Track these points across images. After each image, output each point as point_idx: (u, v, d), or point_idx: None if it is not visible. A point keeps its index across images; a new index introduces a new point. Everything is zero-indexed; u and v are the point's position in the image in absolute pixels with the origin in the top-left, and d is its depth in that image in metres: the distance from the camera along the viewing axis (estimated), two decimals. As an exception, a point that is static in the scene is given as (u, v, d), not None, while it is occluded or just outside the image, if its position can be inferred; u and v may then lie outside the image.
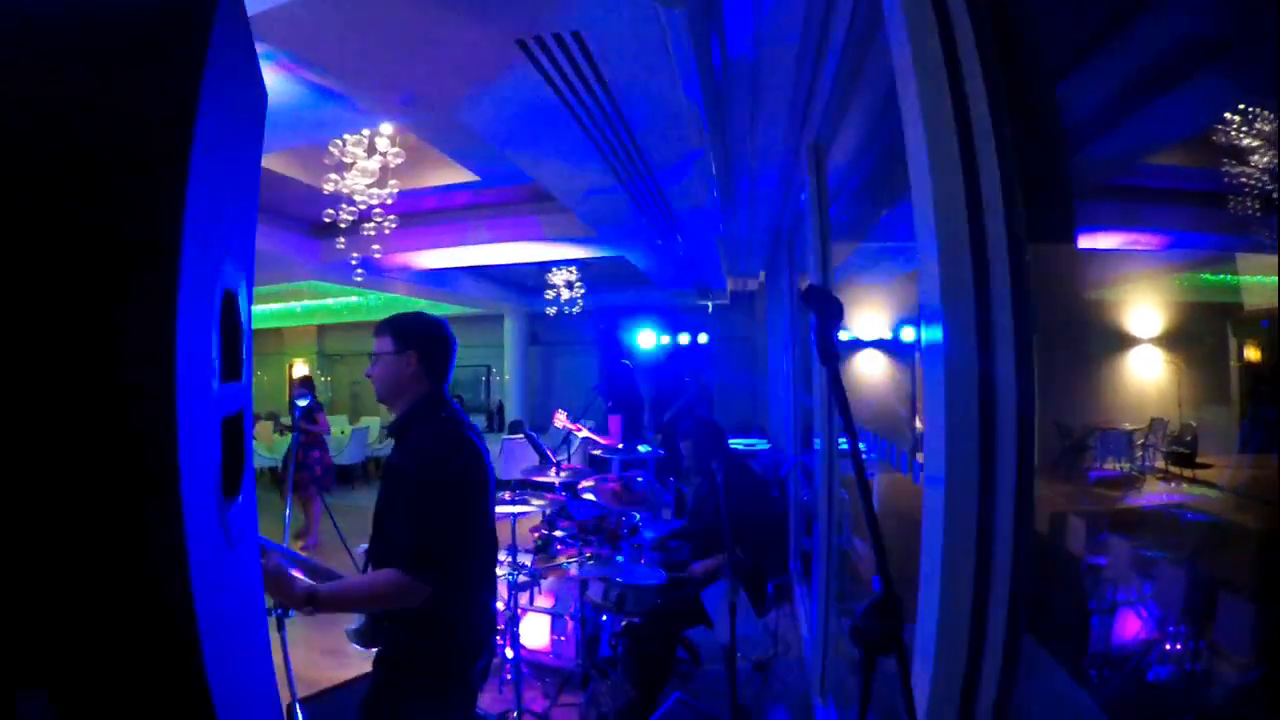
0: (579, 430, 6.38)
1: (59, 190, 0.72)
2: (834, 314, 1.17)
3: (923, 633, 1.67)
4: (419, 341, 2.46)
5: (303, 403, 5.52)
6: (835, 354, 1.14)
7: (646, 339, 9.47)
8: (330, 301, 15.88)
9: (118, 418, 0.73)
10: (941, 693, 1.60)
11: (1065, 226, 1.95)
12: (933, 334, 1.59)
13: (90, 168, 0.73)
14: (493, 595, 2.48)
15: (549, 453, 4.98)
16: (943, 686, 1.59)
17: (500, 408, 18.27)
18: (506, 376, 17.89)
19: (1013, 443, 1.54)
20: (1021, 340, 1.55)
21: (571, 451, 6.82)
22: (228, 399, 0.96)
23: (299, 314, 17.05)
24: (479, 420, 17.94)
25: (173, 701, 0.78)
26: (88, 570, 0.74)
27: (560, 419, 6.19)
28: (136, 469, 0.73)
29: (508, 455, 10.13)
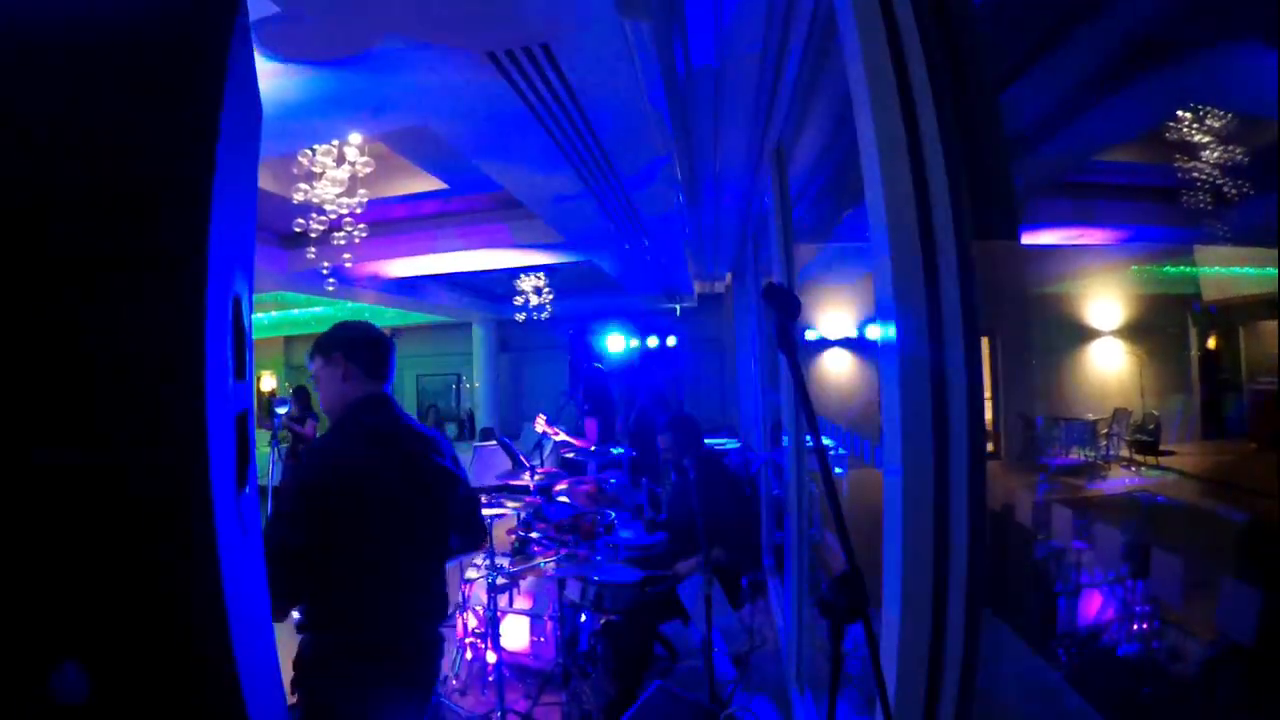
0: (556, 434, 6.45)
1: (99, 207, 0.80)
2: (792, 309, 1.28)
3: (888, 612, 1.76)
4: (341, 343, 2.46)
5: (281, 410, 5.53)
6: (794, 344, 1.24)
7: (616, 343, 9.56)
8: (296, 312, 15.77)
9: (160, 412, 0.81)
10: (909, 664, 1.69)
11: (1010, 224, 2.07)
12: (887, 329, 1.69)
13: (130, 188, 0.81)
14: (397, 596, 2.39)
15: (523, 457, 5.04)
16: (910, 655, 1.68)
17: (471, 416, 18.25)
18: (476, 384, 17.88)
19: (964, 429, 1.65)
20: (970, 333, 1.65)
21: (545, 456, 6.89)
22: (237, 397, 1.04)
23: (265, 325, 16.92)
24: (450, 428, 17.93)
25: (205, 672, 0.86)
26: (130, 551, 0.82)
27: (540, 424, 6.27)
28: (175, 458, 0.81)
29: (481, 462, 10.16)
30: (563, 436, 6.58)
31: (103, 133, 0.82)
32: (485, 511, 4.41)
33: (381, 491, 2.33)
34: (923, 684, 1.70)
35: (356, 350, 2.45)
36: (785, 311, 1.26)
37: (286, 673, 2.52)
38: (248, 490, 1.09)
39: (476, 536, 2.80)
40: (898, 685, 1.69)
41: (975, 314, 1.66)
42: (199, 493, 0.81)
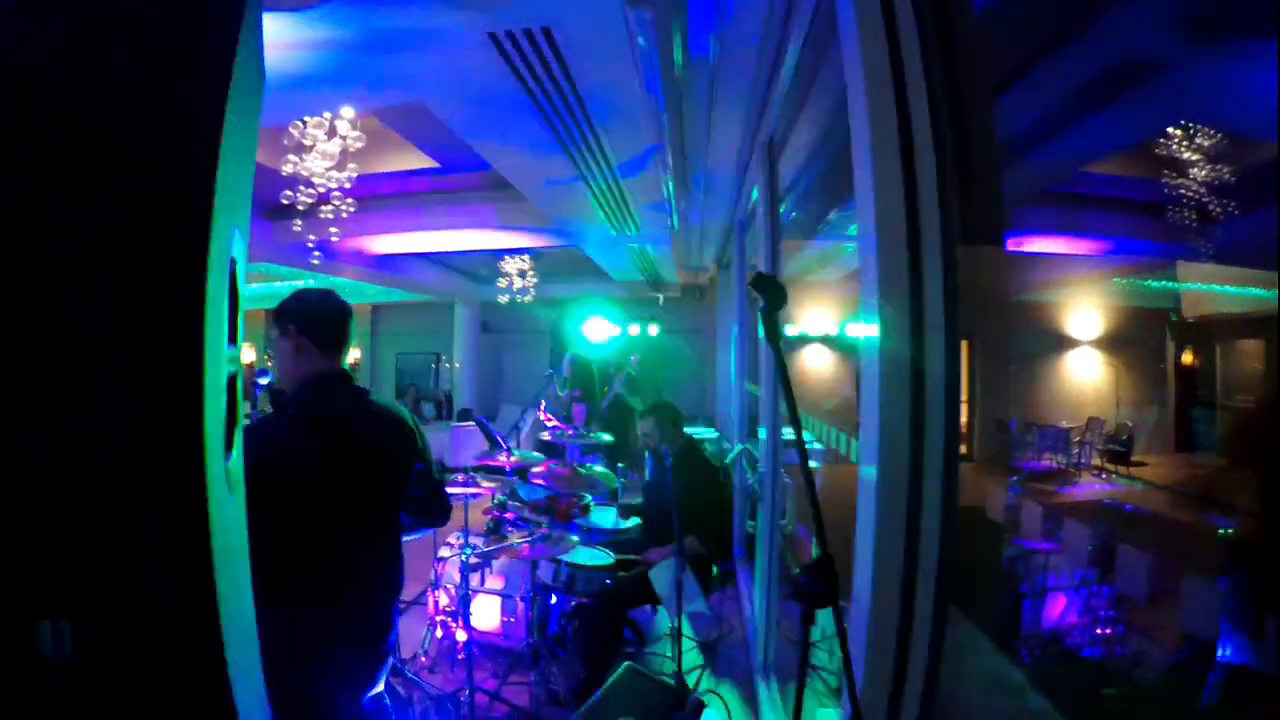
0: (549, 420, 6.50)
1: (112, 160, 0.81)
2: (778, 299, 1.31)
3: (859, 601, 1.80)
4: (294, 315, 2.39)
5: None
6: (779, 333, 1.27)
7: (598, 329, 9.57)
8: (279, 284, 15.63)
9: (159, 371, 0.82)
10: (876, 653, 1.73)
11: (996, 230, 2.11)
12: (870, 327, 1.72)
13: (141, 141, 0.82)
14: (336, 576, 2.35)
15: (500, 438, 5.05)
16: (878, 644, 1.72)
17: (449, 396, 18.20)
18: (457, 364, 17.83)
19: (940, 428, 1.69)
20: (951, 334, 1.69)
21: (522, 437, 6.90)
22: (230, 360, 1.06)
23: (248, 297, 16.63)
24: (428, 408, 17.86)
25: (189, 631, 0.88)
26: (119, 511, 0.84)
27: (541, 414, 6.31)
28: (172, 418, 0.83)
29: (458, 441, 10.17)
30: (554, 422, 6.62)
31: (116, 82, 0.83)
32: (461, 490, 4.42)
33: (311, 475, 2.27)
34: (890, 671, 1.75)
35: (310, 322, 2.39)
36: (772, 301, 1.29)
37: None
38: (234, 453, 1.10)
39: (437, 516, 2.74)
40: (865, 672, 1.73)
41: (957, 316, 1.70)
42: (192, 457, 0.82)
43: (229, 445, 1.08)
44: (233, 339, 1.10)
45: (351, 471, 2.35)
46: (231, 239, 1.00)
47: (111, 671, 0.84)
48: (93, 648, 0.83)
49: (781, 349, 1.28)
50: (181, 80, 0.85)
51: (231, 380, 1.09)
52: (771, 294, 1.29)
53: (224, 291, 0.95)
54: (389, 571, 2.51)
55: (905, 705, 1.76)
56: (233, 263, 1.08)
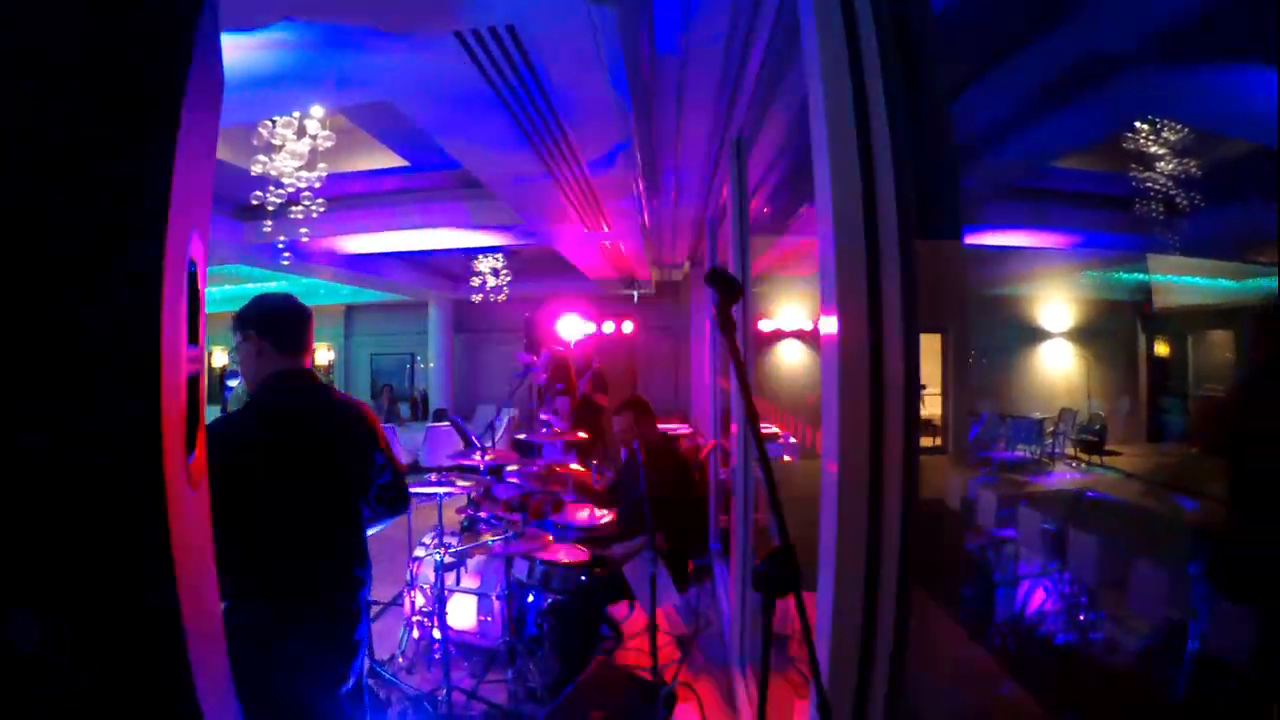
0: (544, 416, 6.52)
1: (62, 158, 0.82)
2: (732, 292, 1.33)
3: (822, 590, 1.83)
4: (253, 320, 2.50)
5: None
6: (734, 327, 1.29)
7: (571, 327, 9.59)
8: (251, 287, 15.49)
9: (115, 370, 0.83)
10: (841, 637, 1.76)
11: (953, 225, 2.14)
12: (829, 321, 1.75)
13: (94, 140, 0.83)
14: (300, 568, 2.44)
15: (474, 438, 5.06)
16: (842, 632, 1.75)
17: (424, 396, 18.12)
18: (431, 364, 17.76)
19: (900, 417, 1.72)
20: (909, 328, 1.72)
21: (496, 437, 6.90)
22: (190, 360, 1.07)
23: (218, 300, 16.56)
24: (404, 409, 17.79)
25: (150, 624, 0.89)
26: (82, 507, 0.85)
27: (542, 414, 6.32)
28: (129, 418, 0.84)
29: (434, 442, 10.13)
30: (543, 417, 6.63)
31: (67, 80, 0.84)
32: (435, 490, 4.44)
33: (274, 469, 2.35)
34: (855, 660, 1.77)
35: (268, 326, 2.49)
36: (727, 295, 1.31)
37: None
38: (195, 453, 1.11)
39: (396, 504, 2.82)
40: (830, 658, 1.76)
41: (915, 310, 1.73)
42: (150, 453, 0.84)
43: (190, 444, 1.09)
44: (193, 339, 1.11)
45: (313, 464, 2.45)
46: (189, 241, 1.01)
47: (73, 664, 0.85)
48: (54, 640, 0.84)
49: (736, 343, 1.30)
50: (135, 80, 0.86)
51: (192, 380, 1.10)
52: (726, 288, 1.32)
53: (182, 293, 0.96)
54: (353, 562, 2.58)
55: (873, 693, 1.78)
56: (192, 264, 1.09)
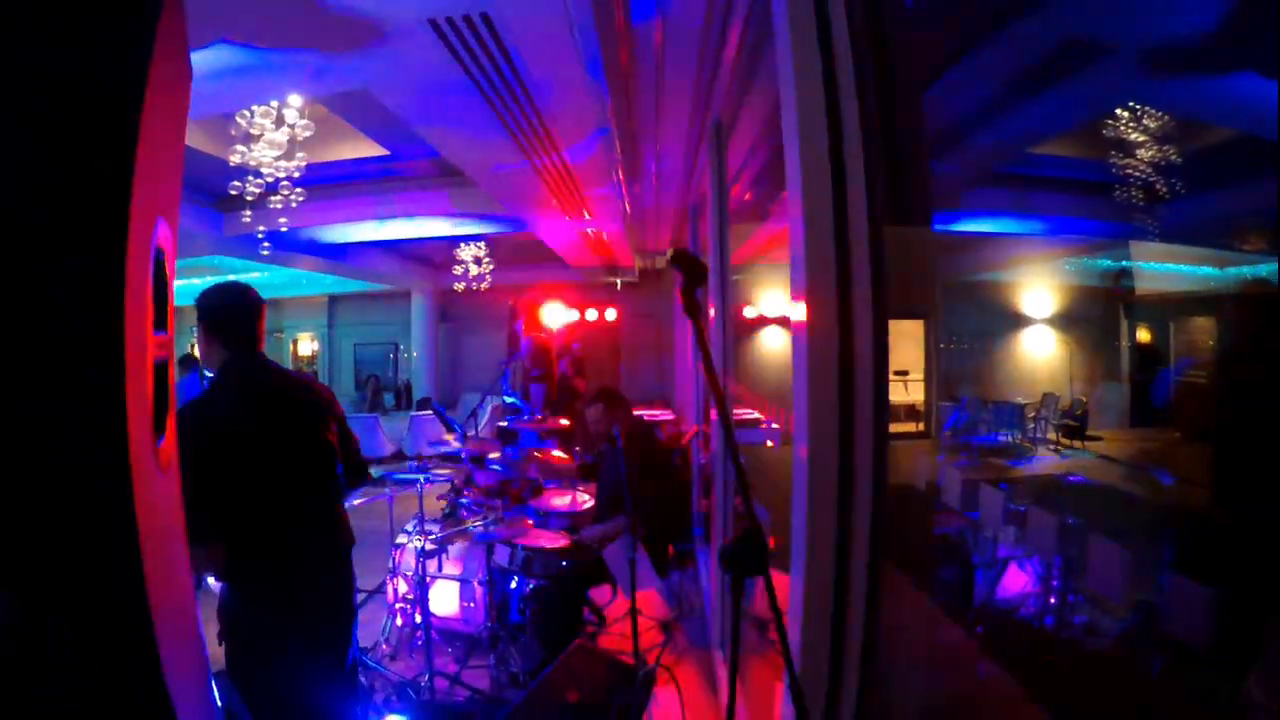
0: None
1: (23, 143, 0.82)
2: (698, 275, 1.34)
3: (794, 574, 1.85)
4: (204, 308, 2.63)
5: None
6: (699, 309, 1.31)
7: (554, 314, 9.58)
8: (232, 278, 15.25)
9: (78, 353, 0.84)
10: (813, 618, 1.78)
11: (924, 211, 2.16)
12: (798, 306, 1.76)
13: (56, 127, 0.83)
14: (294, 529, 2.58)
15: (456, 426, 5.07)
16: (814, 607, 1.77)
17: (408, 386, 18.07)
18: (415, 353, 17.70)
19: (869, 400, 1.74)
20: (879, 312, 1.73)
21: (480, 426, 6.90)
22: (158, 346, 1.07)
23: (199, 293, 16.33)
24: (388, 398, 17.74)
25: (118, 604, 0.90)
26: (49, 491, 0.85)
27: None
28: (93, 401, 0.85)
29: (417, 430, 10.12)
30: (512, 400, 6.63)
31: (25, 65, 0.84)
32: (417, 476, 4.45)
33: (248, 436, 2.50)
34: (827, 635, 1.80)
35: (216, 313, 2.63)
36: (692, 277, 1.32)
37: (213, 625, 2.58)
38: (165, 437, 1.12)
39: (359, 468, 2.98)
40: (802, 639, 1.79)
41: (885, 294, 1.75)
42: (115, 437, 0.85)
43: (159, 427, 1.10)
44: (160, 325, 1.12)
45: (287, 428, 2.61)
46: (155, 227, 1.01)
47: (38, 642, 0.86)
48: (22, 617, 0.85)
49: (703, 325, 1.32)
50: (97, 67, 0.87)
51: (160, 366, 1.11)
52: (691, 269, 1.33)
53: (147, 278, 0.97)
54: (337, 519, 2.75)
55: (845, 674, 1.81)
56: (160, 251, 1.09)
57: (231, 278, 3.05)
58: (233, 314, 2.64)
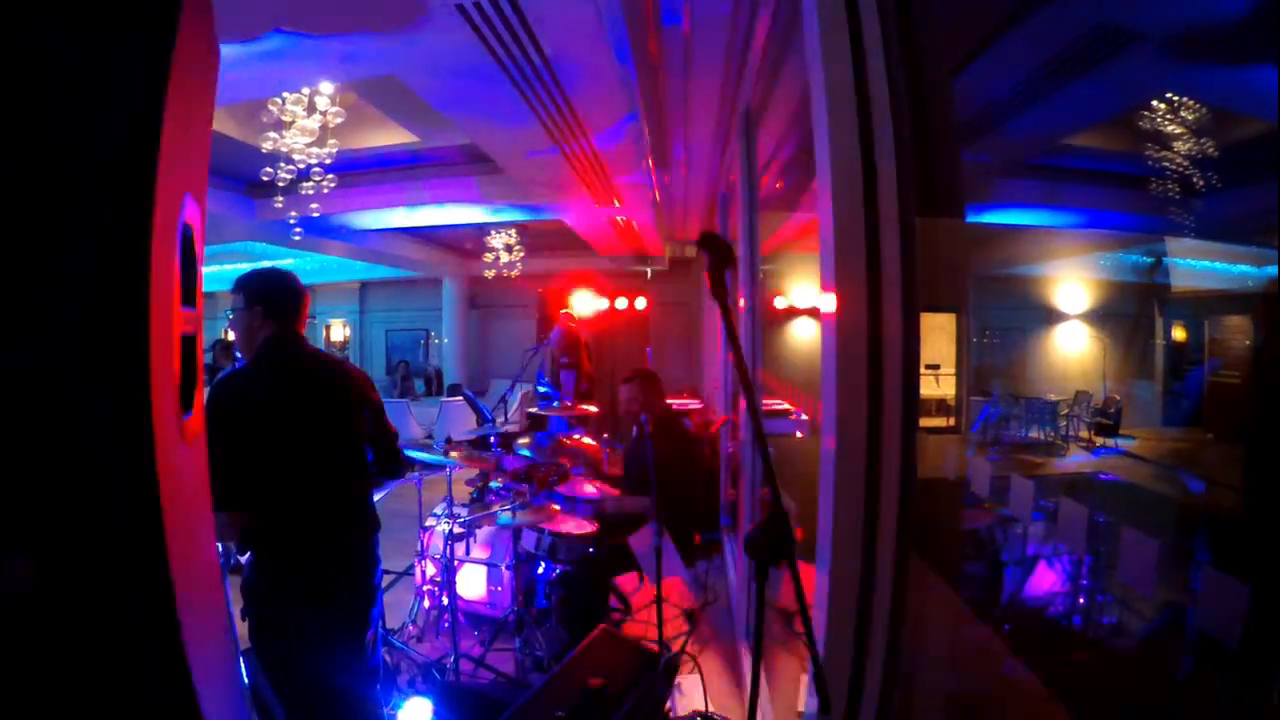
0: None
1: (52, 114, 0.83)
2: (725, 257, 1.33)
3: (820, 566, 1.84)
4: (260, 295, 2.75)
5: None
6: (724, 290, 1.30)
7: (585, 302, 9.60)
8: (264, 265, 15.40)
9: (103, 324, 0.85)
10: (838, 605, 1.77)
11: (956, 202, 2.12)
12: (828, 296, 1.74)
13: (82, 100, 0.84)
14: (317, 506, 2.67)
15: (485, 412, 5.10)
16: (839, 598, 1.76)
17: (439, 372, 18.20)
18: (445, 340, 17.81)
19: (899, 392, 1.72)
20: (909, 303, 1.71)
21: (510, 412, 6.94)
22: (185, 321, 1.08)
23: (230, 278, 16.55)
24: (418, 384, 17.89)
25: (137, 573, 0.91)
26: (72, 459, 0.86)
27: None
28: (118, 372, 0.86)
29: (447, 416, 10.19)
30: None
31: (49, 43, 0.85)
32: (446, 461, 4.48)
33: (281, 413, 2.62)
34: (851, 626, 1.79)
35: (273, 302, 2.75)
36: (719, 258, 1.31)
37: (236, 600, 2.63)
38: (192, 412, 1.13)
39: (392, 458, 3.07)
40: (827, 631, 1.78)
41: (915, 286, 1.72)
42: (137, 408, 0.85)
43: (186, 402, 1.11)
44: (189, 301, 1.13)
45: (316, 406, 2.70)
46: (182, 202, 1.02)
47: (61, 611, 0.87)
48: (46, 588, 0.86)
49: (729, 308, 1.31)
50: (121, 43, 0.87)
51: (188, 340, 1.12)
52: (718, 251, 1.32)
53: (173, 254, 0.98)
54: (364, 499, 2.84)
55: (869, 667, 1.80)
56: (188, 228, 1.10)
57: (268, 264, 3.14)
58: (282, 295, 2.77)
